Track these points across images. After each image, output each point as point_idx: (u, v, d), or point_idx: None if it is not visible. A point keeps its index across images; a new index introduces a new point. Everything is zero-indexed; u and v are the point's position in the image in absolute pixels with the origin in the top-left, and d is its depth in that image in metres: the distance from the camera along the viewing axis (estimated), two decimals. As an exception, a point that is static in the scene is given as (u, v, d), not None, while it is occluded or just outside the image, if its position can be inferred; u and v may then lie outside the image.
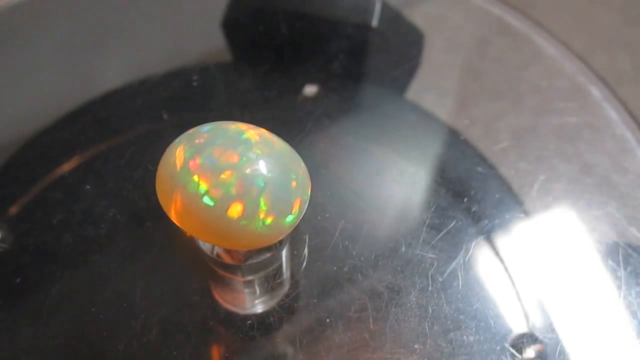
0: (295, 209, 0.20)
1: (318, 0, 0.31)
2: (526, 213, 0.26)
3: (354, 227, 0.25)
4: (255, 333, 0.23)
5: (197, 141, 0.19)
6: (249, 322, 0.23)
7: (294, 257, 0.24)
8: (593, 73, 0.31)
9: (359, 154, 0.28)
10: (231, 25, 0.32)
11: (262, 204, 0.19)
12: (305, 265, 0.24)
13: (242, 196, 0.18)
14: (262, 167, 0.19)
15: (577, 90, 0.31)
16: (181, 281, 0.24)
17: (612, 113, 0.30)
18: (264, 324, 0.23)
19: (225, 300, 0.23)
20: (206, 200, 0.19)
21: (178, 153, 0.19)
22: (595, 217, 0.27)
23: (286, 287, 0.24)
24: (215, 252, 0.23)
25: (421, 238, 0.25)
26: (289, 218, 0.20)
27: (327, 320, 0.23)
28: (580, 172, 0.29)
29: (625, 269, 0.25)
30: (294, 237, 0.24)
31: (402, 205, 0.26)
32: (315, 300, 0.23)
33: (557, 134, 0.30)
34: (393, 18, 0.32)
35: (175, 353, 0.22)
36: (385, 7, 0.31)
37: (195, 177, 0.19)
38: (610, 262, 0.25)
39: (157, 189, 0.20)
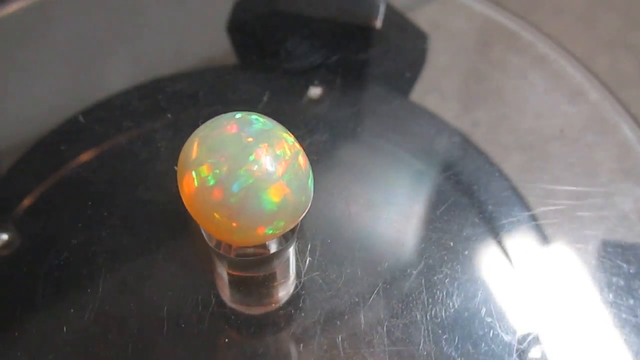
0: (246, 235, 0.19)
1: (322, 3, 0.31)
2: (532, 218, 0.26)
3: (330, 278, 0.23)
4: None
5: (225, 123, 0.20)
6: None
7: (258, 279, 0.23)
8: (594, 76, 0.31)
9: (365, 163, 0.28)
10: (236, 29, 0.32)
11: (232, 202, 0.19)
12: (254, 290, 0.23)
13: (223, 186, 0.19)
14: (256, 172, 0.19)
15: (578, 94, 0.31)
16: (179, 265, 0.24)
17: (614, 115, 0.30)
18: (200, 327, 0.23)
19: (219, 289, 0.23)
20: (194, 174, 0.19)
21: (199, 136, 0.20)
22: (599, 219, 0.27)
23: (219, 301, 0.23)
24: (223, 244, 0.23)
25: (384, 331, 0.23)
26: (237, 233, 0.19)
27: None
28: (584, 174, 0.29)
29: (629, 268, 0.25)
30: (283, 256, 0.24)
31: (389, 282, 0.24)
32: (233, 332, 0.23)
33: (560, 136, 0.30)
34: (397, 20, 0.32)
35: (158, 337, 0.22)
36: (389, 9, 0.31)
37: (201, 150, 0.19)
38: (615, 262, 0.25)
39: (178, 165, 0.20)
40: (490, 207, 0.26)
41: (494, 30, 0.34)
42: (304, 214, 0.21)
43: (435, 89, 0.32)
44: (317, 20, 0.31)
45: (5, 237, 0.24)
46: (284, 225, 0.20)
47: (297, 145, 0.20)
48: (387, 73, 0.31)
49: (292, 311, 0.23)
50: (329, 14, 0.31)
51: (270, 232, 0.20)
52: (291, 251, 0.24)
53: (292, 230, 0.23)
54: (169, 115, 0.29)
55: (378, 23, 0.31)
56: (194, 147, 0.20)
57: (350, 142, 0.28)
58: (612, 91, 0.31)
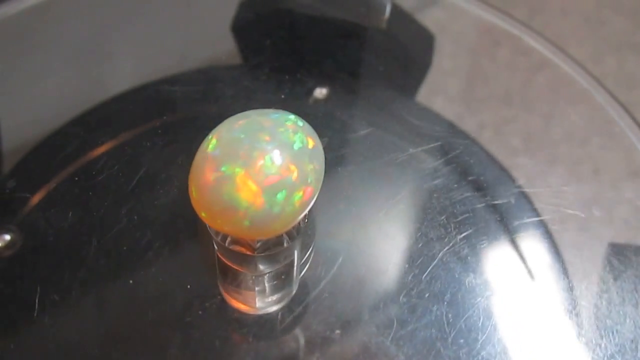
0: (209, 218, 0.19)
1: (328, 3, 0.31)
2: (539, 219, 0.26)
3: (329, 281, 0.23)
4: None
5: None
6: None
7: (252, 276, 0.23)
8: (599, 79, 0.31)
9: (370, 164, 0.28)
10: (241, 29, 0.32)
11: (211, 179, 0.19)
12: (249, 286, 0.23)
13: (215, 161, 0.19)
14: (242, 166, 0.19)
15: (584, 96, 0.31)
16: (184, 265, 0.24)
17: (619, 118, 0.30)
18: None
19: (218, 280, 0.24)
20: (205, 142, 0.19)
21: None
22: (607, 222, 0.27)
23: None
24: (228, 240, 0.23)
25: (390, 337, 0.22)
26: (205, 213, 0.19)
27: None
28: (591, 176, 0.29)
29: (636, 269, 0.25)
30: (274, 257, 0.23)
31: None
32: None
33: (568, 138, 0.30)
34: (404, 20, 0.32)
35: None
36: (395, 9, 0.31)
37: (223, 126, 0.20)
38: (623, 264, 0.25)
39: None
40: (497, 209, 0.26)
41: (499, 34, 0.34)
42: (275, 233, 0.20)
43: (441, 91, 0.32)
44: (322, 20, 0.31)
45: (7, 237, 0.24)
46: (247, 229, 0.19)
47: (313, 176, 0.20)
48: (394, 73, 0.31)
49: (285, 311, 0.23)
50: (334, 13, 0.31)
51: (230, 227, 0.19)
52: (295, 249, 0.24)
53: (296, 230, 0.23)
54: (173, 116, 0.29)
55: (384, 23, 0.31)
56: (225, 122, 0.20)
57: (355, 143, 0.28)
58: (617, 94, 0.30)
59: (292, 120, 0.20)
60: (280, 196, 0.19)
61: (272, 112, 0.20)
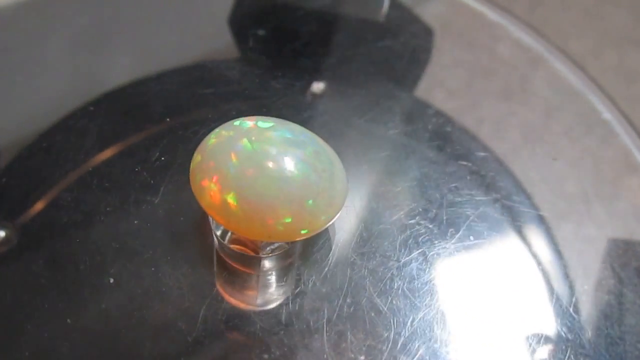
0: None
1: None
2: (538, 215, 0.26)
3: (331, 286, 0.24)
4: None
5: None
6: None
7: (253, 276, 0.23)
8: (597, 75, 0.31)
9: (368, 159, 0.28)
10: (238, 22, 0.32)
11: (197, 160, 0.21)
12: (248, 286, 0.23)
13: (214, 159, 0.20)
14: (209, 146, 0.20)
15: (581, 92, 0.31)
16: (185, 262, 0.24)
17: (615, 113, 0.30)
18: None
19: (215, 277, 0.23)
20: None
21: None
22: (606, 218, 0.27)
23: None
24: (228, 238, 0.23)
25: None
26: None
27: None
28: (590, 171, 0.29)
29: (630, 267, 0.25)
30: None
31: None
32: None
33: (567, 133, 0.30)
34: (401, 13, 0.32)
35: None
36: (394, 2, 0.31)
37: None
38: (622, 260, 0.25)
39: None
40: (495, 204, 0.26)
41: (498, 28, 0.34)
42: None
43: (440, 86, 0.32)
44: (319, 13, 0.31)
45: (2, 234, 0.24)
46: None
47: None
48: (392, 67, 0.31)
49: (285, 308, 0.23)
50: (332, 7, 0.31)
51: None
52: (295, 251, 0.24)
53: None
54: (170, 110, 0.29)
55: (381, 16, 0.30)
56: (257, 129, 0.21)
57: (353, 137, 0.28)
58: (618, 89, 0.30)
59: (321, 166, 0.21)
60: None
61: (302, 130, 0.21)
